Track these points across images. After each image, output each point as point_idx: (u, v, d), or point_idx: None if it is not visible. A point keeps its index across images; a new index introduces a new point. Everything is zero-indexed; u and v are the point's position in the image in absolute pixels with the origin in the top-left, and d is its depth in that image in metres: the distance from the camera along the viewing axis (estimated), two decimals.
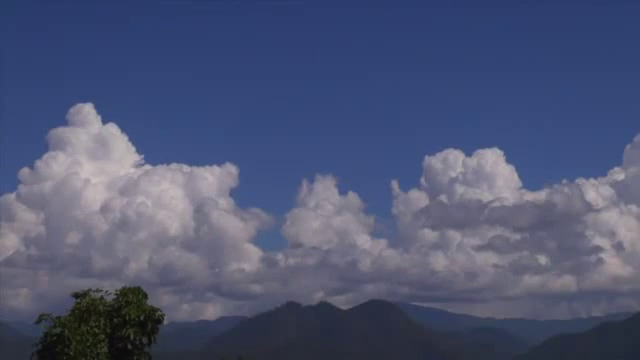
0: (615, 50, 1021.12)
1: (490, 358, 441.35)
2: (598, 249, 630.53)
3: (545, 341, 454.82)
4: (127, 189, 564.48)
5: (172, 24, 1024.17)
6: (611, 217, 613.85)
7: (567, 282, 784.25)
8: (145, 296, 34.25)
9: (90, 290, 33.96)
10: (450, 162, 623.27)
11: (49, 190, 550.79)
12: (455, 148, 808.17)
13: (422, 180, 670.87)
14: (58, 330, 31.88)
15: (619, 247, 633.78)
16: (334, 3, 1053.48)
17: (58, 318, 32.43)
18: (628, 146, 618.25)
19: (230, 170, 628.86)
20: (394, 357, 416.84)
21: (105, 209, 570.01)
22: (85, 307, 33.18)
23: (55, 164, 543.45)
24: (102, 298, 33.94)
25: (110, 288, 34.37)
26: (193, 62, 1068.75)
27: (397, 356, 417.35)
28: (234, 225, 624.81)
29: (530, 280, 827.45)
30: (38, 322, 32.69)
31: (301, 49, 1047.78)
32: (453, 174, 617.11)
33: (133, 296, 33.77)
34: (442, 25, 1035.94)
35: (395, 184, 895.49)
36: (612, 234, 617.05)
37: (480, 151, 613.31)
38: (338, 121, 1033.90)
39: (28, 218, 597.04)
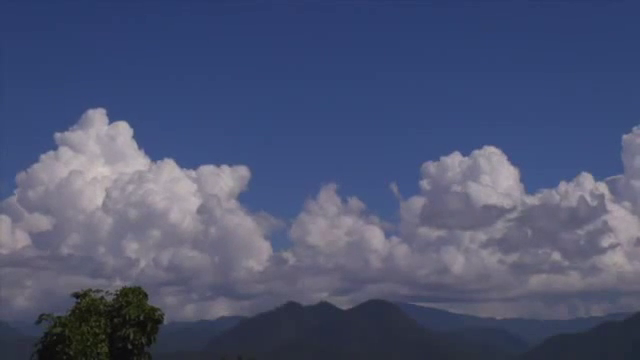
0: (616, 50, 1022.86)
1: (490, 358, 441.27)
2: (600, 248, 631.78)
3: (545, 341, 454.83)
4: (135, 189, 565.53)
5: (185, 25, 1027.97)
6: (614, 216, 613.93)
7: (569, 282, 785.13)
8: (145, 296, 34.34)
9: (90, 290, 34.08)
10: (451, 163, 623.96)
11: (54, 191, 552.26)
12: (455, 148, 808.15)
13: (423, 181, 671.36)
14: (58, 330, 31.99)
15: (622, 246, 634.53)
16: (331, 6, 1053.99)
17: (59, 318, 32.56)
18: (624, 146, 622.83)
19: (241, 172, 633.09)
20: (394, 357, 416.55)
21: (111, 209, 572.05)
22: (85, 307, 33.30)
23: (61, 165, 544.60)
24: (102, 298, 34.05)
25: (117, 287, 34.57)
26: (197, 62, 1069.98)
27: (397, 356, 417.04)
28: (244, 224, 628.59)
29: (531, 280, 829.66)
30: (38, 322, 32.81)
31: (299, 50, 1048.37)
32: (454, 175, 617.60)
33: (133, 296, 33.87)
34: (441, 26, 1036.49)
35: (396, 186, 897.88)
36: (615, 233, 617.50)
37: (482, 151, 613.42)
38: (336, 123, 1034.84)
39: (33, 218, 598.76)
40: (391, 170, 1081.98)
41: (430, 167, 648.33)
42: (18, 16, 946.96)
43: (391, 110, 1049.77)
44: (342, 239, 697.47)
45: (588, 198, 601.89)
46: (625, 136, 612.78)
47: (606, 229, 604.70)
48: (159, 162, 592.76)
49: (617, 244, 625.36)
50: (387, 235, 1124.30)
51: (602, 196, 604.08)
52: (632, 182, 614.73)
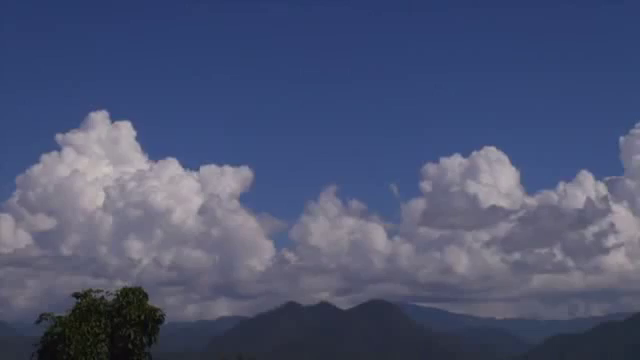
0: (616, 50, 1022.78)
1: (490, 358, 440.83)
2: (603, 248, 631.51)
3: (545, 341, 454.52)
4: (137, 189, 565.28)
5: (187, 25, 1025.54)
6: (615, 217, 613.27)
7: (569, 282, 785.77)
8: (145, 296, 34.32)
9: (91, 290, 34.05)
10: (451, 164, 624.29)
11: (56, 191, 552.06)
12: (455, 149, 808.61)
13: (424, 183, 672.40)
14: (59, 330, 31.98)
15: (624, 246, 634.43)
16: (331, 7, 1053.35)
17: (59, 318, 32.53)
18: (621, 147, 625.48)
19: (243, 173, 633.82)
20: (394, 357, 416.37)
21: (113, 209, 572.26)
22: (86, 307, 33.26)
23: (62, 165, 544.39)
24: (103, 298, 34.02)
25: (118, 287, 34.54)
26: (199, 62, 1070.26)
27: (397, 356, 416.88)
28: (247, 224, 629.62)
29: (532, 280, 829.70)
30: (39, 322, 32.80)
31: (301, 51, 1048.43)
32: (454, 176, 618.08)
33: (134, 296, 33.85)
34: (440, 27, 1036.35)
35: (396, 187, 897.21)
36: (617, 233, 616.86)
37: (482, 152, 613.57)
38: (337, 125, 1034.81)
39: (33, 218, 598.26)
40: (391, 171, 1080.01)
41: (430, 168, 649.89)
42: (19, 16, 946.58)
43: (391, 111, 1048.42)
44: (343, 239, 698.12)
45: (591, 198, 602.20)
46: (622, 137, 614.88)
47: (610, 229, 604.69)
48: (161, 162, 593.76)
49: (620, 244, 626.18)
50: (388, 236, 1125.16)
51: (606, 197, 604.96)
52: (631, 182, 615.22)
